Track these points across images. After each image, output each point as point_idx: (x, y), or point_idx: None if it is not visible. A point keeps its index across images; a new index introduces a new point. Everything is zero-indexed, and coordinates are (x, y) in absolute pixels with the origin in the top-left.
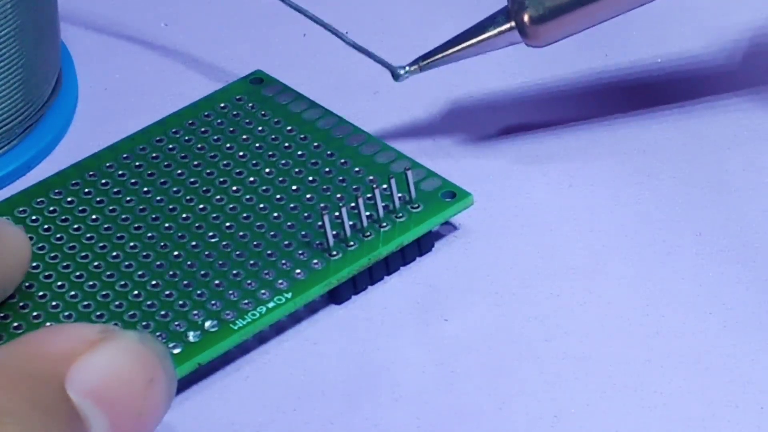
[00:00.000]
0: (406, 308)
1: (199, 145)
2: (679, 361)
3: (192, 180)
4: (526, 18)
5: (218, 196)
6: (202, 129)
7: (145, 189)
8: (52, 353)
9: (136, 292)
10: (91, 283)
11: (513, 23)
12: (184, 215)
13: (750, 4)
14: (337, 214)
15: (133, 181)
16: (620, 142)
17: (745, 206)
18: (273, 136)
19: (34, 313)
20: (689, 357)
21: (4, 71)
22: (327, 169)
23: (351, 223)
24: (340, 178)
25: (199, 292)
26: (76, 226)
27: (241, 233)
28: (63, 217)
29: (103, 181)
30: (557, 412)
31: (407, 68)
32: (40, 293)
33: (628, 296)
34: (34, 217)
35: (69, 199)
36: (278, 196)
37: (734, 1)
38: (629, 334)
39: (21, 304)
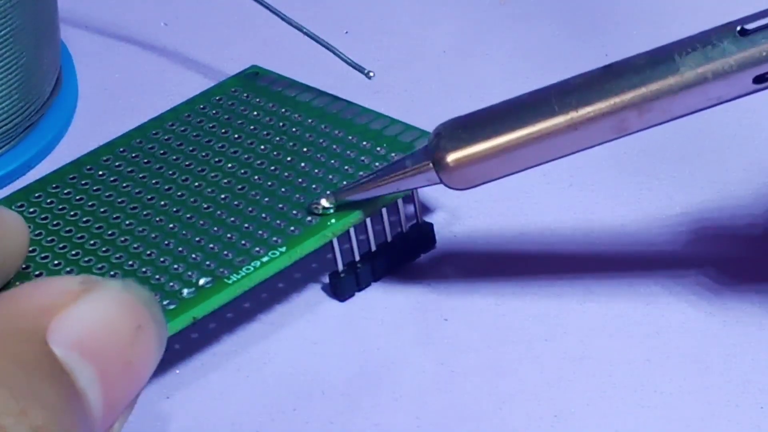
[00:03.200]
0: (406, 307)
1: (195, 133)
2: (679, 361)
3: (188, 162)
4: (449, 158)
5: (213, 173)
6: (198, 119)
7: (142, 175)
8: (31, 309)
9: (131, 262)
10: (87, 258)
11: (430, 162)
12: (180, 193)
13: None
14: (331, 176)
15: (130, 169)
16: (620, 142)
17: (745, 206)
18: (268, 118)
19: None
20: (689, 357)
21: (4, 71)
22: (321, 140)
23: (345, 182)
24: (335, 146)
25: (194, 255)
26: (73, 212)
27: (236, 202)
28: (60, 207)
29: (101, 172)
30: (557, 412)
31: (325, 202)
32: (37, 272)
33: (628, 295)
34: (32, 209)
35: (66, 190)
36: (273, 167)
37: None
38: (629, 334)
39: (17, 283)
